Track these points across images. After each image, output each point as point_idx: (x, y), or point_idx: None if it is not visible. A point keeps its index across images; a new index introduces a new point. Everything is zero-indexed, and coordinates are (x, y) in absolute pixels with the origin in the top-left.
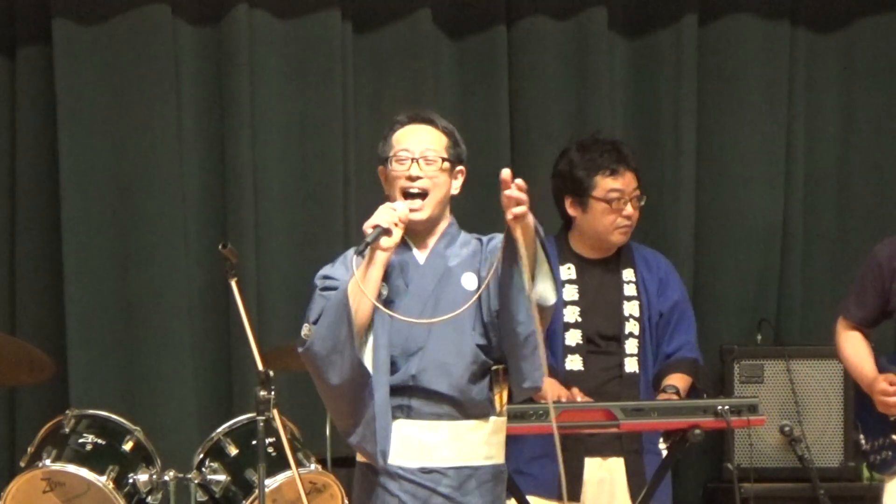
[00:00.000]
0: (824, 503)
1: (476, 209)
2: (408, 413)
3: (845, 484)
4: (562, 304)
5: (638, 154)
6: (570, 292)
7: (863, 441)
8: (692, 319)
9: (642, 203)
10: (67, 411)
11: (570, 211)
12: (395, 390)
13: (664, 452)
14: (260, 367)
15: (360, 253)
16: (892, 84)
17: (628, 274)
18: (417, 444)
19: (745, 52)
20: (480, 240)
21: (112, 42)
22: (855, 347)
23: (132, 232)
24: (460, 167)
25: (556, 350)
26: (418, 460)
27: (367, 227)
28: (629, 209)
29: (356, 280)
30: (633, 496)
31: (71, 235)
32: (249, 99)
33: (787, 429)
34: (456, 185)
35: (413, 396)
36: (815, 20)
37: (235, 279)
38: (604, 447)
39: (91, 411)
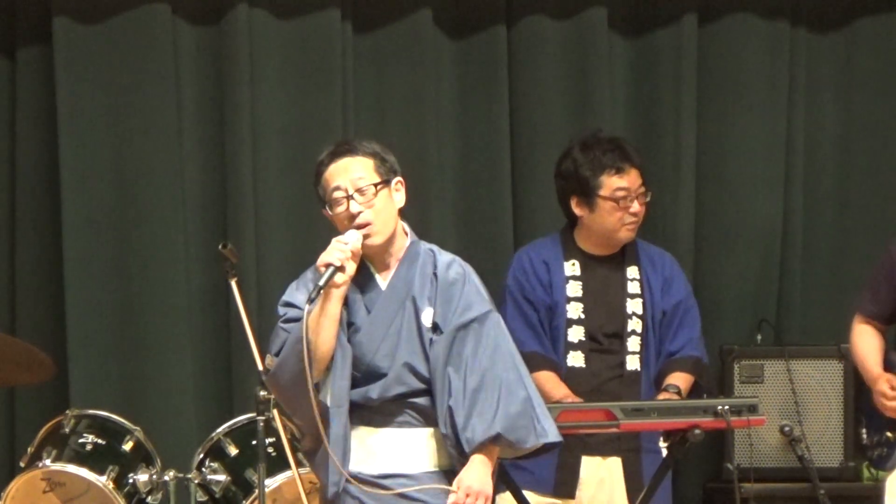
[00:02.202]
0: (824, 503)
1: (477, 209)
2: (369, 421)
3: (845, 484)
4: (565, 300)
5: (640, 151)
6: (574, 289)
7: (864, 436)
8: (697, 318)
9: (648, 199)
10: (67, 411)
11: (577, 210)
12: (358, 404)
13: (664, 451)
14: (260, 367)
15: (312, 300)
16: (892, 84)
17: (633, 271)
18: (379, 451)
19: (745, 52)
20: (436, 271)
21: (112, 42)
22: (864, 341)
23: (132, 232)
24: (396, 179)
25: (558, 347)
26: (380, 467)
27: (320, 264)
28: (636, 206)
29: (312, 318)
30: (630, 496)
31: (71, 235)
32: (249, 99)
33: (787, 429)
34: (399, 199)
35: (374, 410)
36: (815, 20)
37: (235, 279)
38: (602, 446)
39: (91, 411)
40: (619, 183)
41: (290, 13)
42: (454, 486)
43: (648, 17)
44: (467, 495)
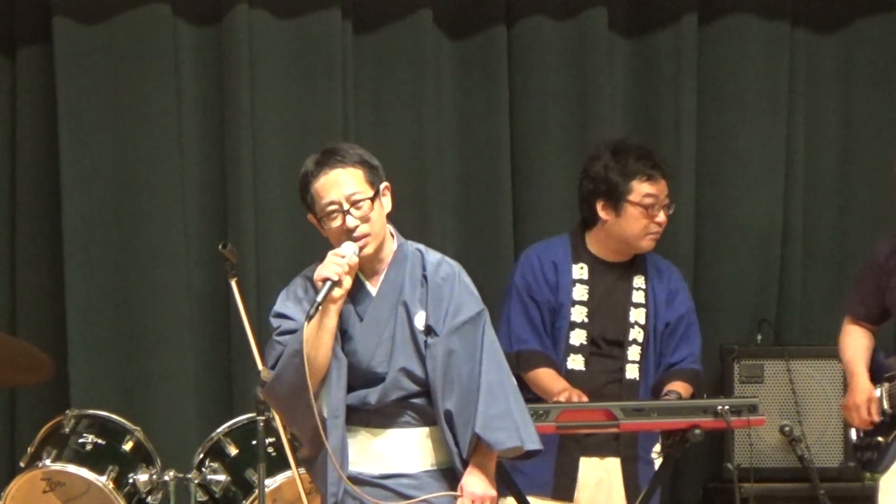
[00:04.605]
0: (824, 503)
1: (477, 209)
2: (367, 423)
3: (845, 484)
4: (570, 302)
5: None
6: (580, 292)
7: (854, 437)
8: (698, 333)
9: (671, 211)
10: (67, 411)
11: (602, 214)
12: (356, 408)
13: (656, 462)
14: (260, 367)
15: (311, 317)
16: (892, 84)
17: (639, 281)
18: (378, 452)
19: (745, 52)
20: (425, 273)
21: (112, 42)
22: (851, 343)
23: (132, 232)
24: (383, 185)
25: (559, 348)
26: (379, 468)
27: (317, 278)
28: (661, 216)
29: (310, 332)
30: (629, 499)
31: (71, 235)
32: (249, 99)
33: (787, 429)
34: (387, 203)
35: (372, 412)
36: (815, 20)
37: (235, 279)
38: (600, 447)
39: (91, 411)
40: (648, 189)
41: (290, 13)
42: (458, 493)
43: (648, 18)
44: (473, 501)
